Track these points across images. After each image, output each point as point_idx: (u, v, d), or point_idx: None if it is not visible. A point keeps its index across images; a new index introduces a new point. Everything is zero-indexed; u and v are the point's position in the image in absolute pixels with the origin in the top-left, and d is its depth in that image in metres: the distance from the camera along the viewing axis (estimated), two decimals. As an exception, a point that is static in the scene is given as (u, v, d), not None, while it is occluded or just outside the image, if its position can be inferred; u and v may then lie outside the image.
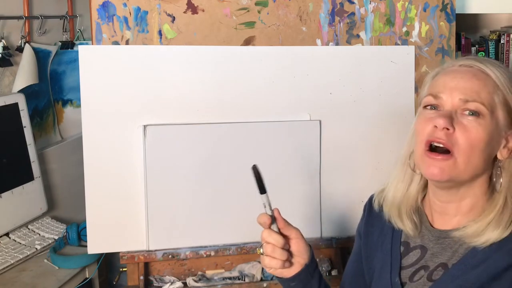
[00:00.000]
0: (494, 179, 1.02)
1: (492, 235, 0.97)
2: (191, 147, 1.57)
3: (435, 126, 0.98)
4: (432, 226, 1.08)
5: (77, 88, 1.73)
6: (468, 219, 1.02)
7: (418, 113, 1.07)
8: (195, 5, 1.56)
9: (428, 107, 1.03)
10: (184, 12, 1.56)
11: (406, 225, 1.09)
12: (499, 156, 1.01)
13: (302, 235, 1.14)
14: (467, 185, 1.02)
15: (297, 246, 1.12)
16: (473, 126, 0.97)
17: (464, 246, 1.00)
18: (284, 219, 1.12)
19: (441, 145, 0.98)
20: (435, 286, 1.01)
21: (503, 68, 1.02)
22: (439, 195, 1.06)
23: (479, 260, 0.97)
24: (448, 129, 0.97)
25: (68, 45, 2.23)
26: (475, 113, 0.98)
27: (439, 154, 0.98)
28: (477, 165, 0.99)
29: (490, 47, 2.25)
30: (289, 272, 1.12)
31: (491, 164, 1.02)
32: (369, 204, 1.23)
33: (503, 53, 2.24)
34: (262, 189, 1.05)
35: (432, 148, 0.99)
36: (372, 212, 1.20)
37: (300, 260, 1.13)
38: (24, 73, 1.97)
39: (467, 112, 0.98)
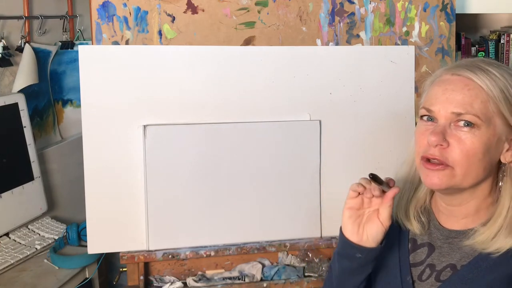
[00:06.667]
0: (500, 182, 1.02)
1: (505, 243, 0.97)
2: (191, 147, 1.57)
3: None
4: (441, 225, 1.09)
5: (77, 88, 1.73)
6: (475, 221, 1.03)
7: (417, 121, 1.07)
8: (195, 5, 1.56)
9: (424, 117, 1.03)
10: (184, 12, 1.56)
11: (413, 225, 1.10)
12: (502, 160, 1.01)
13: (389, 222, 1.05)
14: (470, 190, 1.02)
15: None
16: (467, 137, 0.97)
17: (474, 249, 1.00)
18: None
19: (435, 161, 0.99)
20: (444, 286, 1.01)
21: (497, 73, 0.99)
22: (444, 198, 1.07)
23: (492, 264, 0.97)
24: (441, 144, 0.97)
25: (68, 45, 2.23)
26: (469, 124, 0.97)
27: (436, 165, 0.99)
28: (477, 173, 0.99)
29: (490, 47, 2.25)
30: (362, 240, 1.06)
31: (495, 168, 1.02)
32: None
33: (503, 53, 2.24)
34: (381, 183, 1.06)
35: (430, 159, 1.00)
36: None
37: (373, 237, 1.05)
38: (24, 73, 1.97)
39: (461, 123, 0.97)
